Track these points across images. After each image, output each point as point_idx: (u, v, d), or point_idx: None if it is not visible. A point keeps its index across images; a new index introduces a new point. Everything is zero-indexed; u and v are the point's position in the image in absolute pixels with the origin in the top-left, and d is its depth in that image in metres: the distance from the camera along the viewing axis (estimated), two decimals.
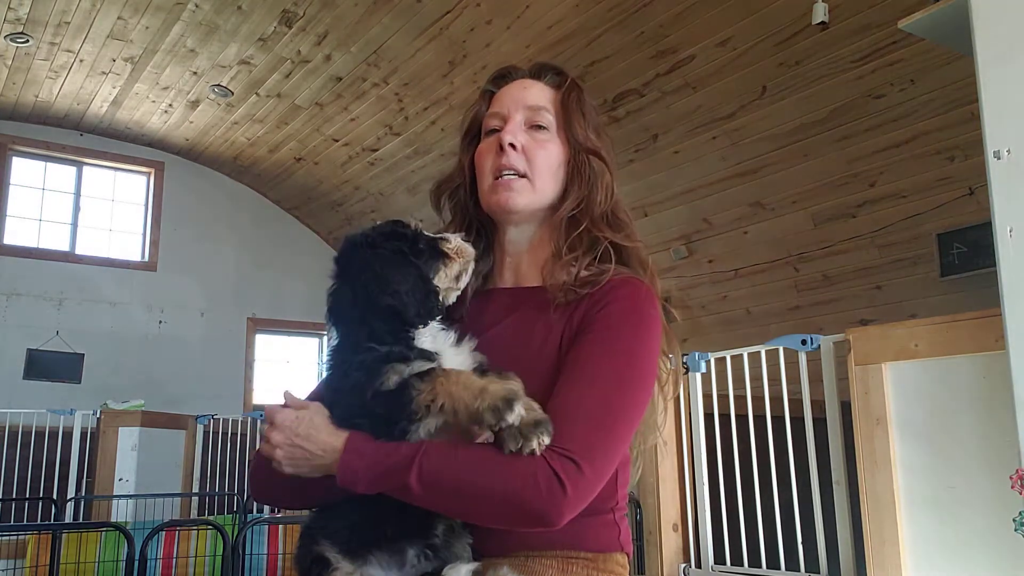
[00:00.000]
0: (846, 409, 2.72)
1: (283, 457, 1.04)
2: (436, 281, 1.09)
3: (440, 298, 1.10)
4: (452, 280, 1.12)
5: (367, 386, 1.00)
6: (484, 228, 1.27)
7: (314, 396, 1.12)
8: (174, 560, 4.26)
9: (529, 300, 1.19)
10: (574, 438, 0.99)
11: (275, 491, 1.15)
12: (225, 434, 6.28)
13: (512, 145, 1.18)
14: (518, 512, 0.97)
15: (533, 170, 1.19)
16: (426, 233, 1.13)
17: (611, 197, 1.21)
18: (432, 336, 1.09)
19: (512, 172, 1.18)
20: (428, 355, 1.05)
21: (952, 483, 2.34)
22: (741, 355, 3.27)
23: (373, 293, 1.04)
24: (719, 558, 3.25)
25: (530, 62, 1.29)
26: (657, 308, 1.14)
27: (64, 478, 5.53)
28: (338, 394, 1.05)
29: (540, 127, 1.21)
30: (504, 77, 1.28)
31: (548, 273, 1.17)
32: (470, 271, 1.16)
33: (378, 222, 1.14)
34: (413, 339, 1.06)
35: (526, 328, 1.15)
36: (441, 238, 1.13)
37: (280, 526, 4.35)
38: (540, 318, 1.15)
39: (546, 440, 0.96)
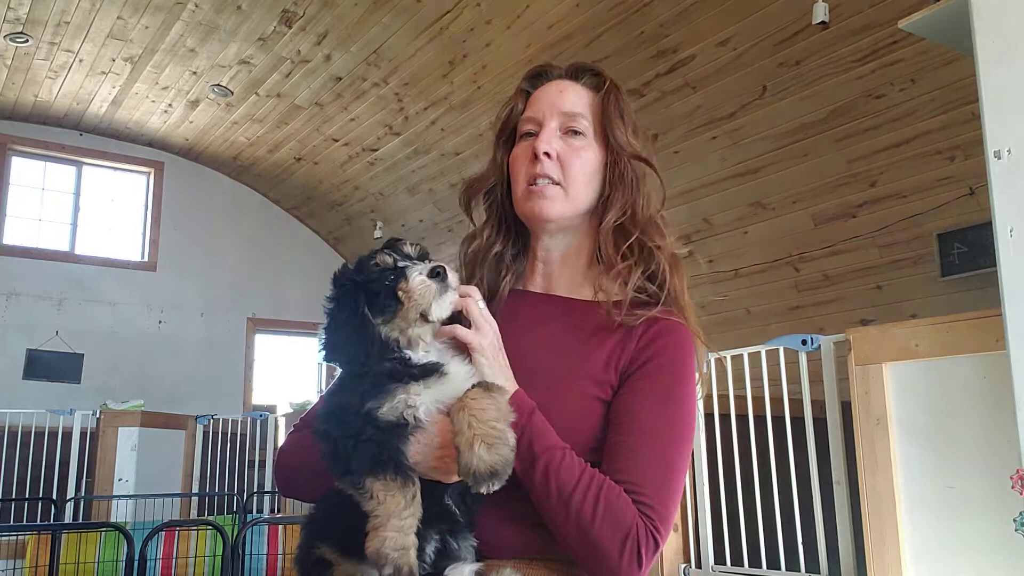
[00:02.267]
0: (846, 409, 2.72)
1: (489, 356, 1.07)
2: (391, 327, 1.04)
3: (393, 340, 1.04)
4: (413, 322, 1.04)
5: (366, 397, 0.99)
6: (520, 229, 1.26)
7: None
8: (174, 560, 4.26)
9: (563, 315, 1.18)
10: (661, 513, 1.03)
11: (304, 483, 1.13)
12: (225, 434, 6.28)
13: (547, 153, 1.16)
14: (589, 560, 1.02)
15: (567, 178, 1.17)
16: (398, 264, 1.05)
17: (657, 202, 1.20)
18: (439, 346, 1.07)
19: (546, 179, 1.17)
20: (432, 368, 1.04)
21: (952, 483, 2.34)
22: (741, 355, 3.27)
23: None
24: (719, 558, 3.25)
25: (568, 62, 1.25)
26: (695, 352, 1.15)
27: (64, 478, 5.53)
28: (337, 394, 1.04)
29: (576, 132, 1.18)
30: (540, 76, 1.24)
31: (599, 286, 1.15)
32: (438, 310, 1.05)
33: (374, 249, 1.09)
34: (407, 359, 1.04)
35: (559, 348, 1.15)
36: (405, 274, 1.04)
37: (280, 526, 4.35)
38: (575, 340, 1.14)
39: (495, 487, 0.96)
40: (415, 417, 1.00)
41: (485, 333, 1.07)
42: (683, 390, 1.11)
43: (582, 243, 1.21)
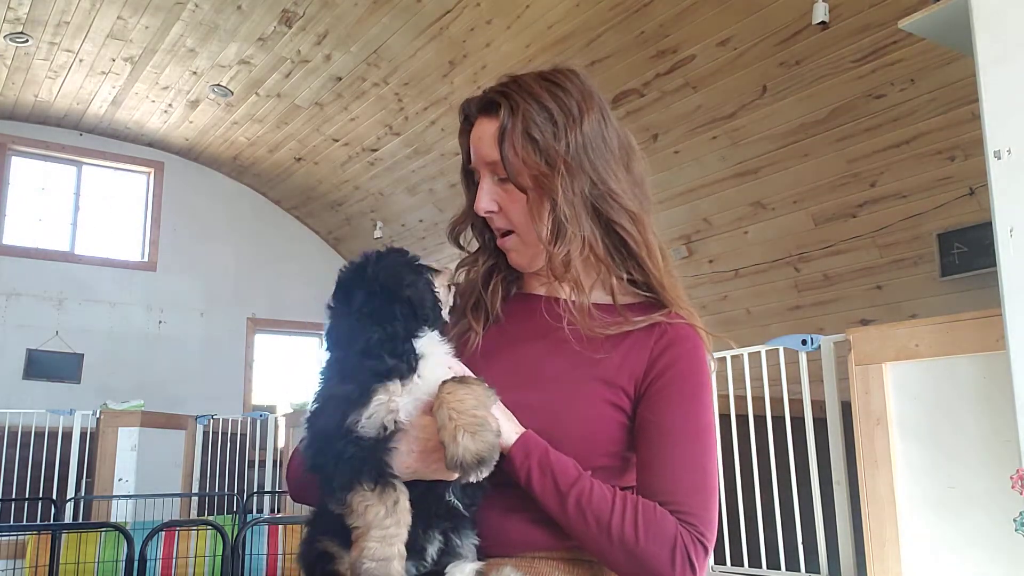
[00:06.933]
0: (846, 409, 2.72)
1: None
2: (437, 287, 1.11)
3: (442, 306, 1.10)
4: (443, 290, 1.12)
5: (349, 408, 0.98)
6: None
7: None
8: (174, 560, 4.26)
9: (568, 320, 1.16)
10: (702, 518, 1.04)
11: (313, 491, 1.11)
12: (225, 434, 6.28)
13: (490, 211, 1.17)
14: None
15: (515, 225, 1.17)
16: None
17: (593, 203, 1.13)
18: (427, 342, 1.07)
19: (503, 231, 1.19)
20: (416, 362, 1.04)
21: (952, 483, 2.34)
22: (741, 355, 3.28)
23: (391, 289, 1.04)
24: (719, 558, 3.25)
25: (568, 61, 1.21)
26: (708, 356, 1.15)
27: (64, 478, 5.54)
28: (324, 403, 1.03)
29: (505, 179, 1.15)
30: (466, 118, 1.21)
31: (575, 292, 1.13)
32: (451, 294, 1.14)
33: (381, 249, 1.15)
34: (415, 351, 1.04)
35: (568, 352, 1.13)
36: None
37: (280, 526, 4.35)
38: (584, 343, 1.12)
39: (484, 474, 0.96)
40: (395, 422, 0.99)
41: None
42: (703, 395, 1.12)
43: None
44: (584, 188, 1.12)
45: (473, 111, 1.19)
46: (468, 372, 1.08)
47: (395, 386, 1.01)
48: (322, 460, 0.98)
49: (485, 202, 1.16)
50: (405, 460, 1.00)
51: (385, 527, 0.93)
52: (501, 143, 1.12)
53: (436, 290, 1.09)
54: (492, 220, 1.18)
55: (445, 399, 0.98)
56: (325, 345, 1.08)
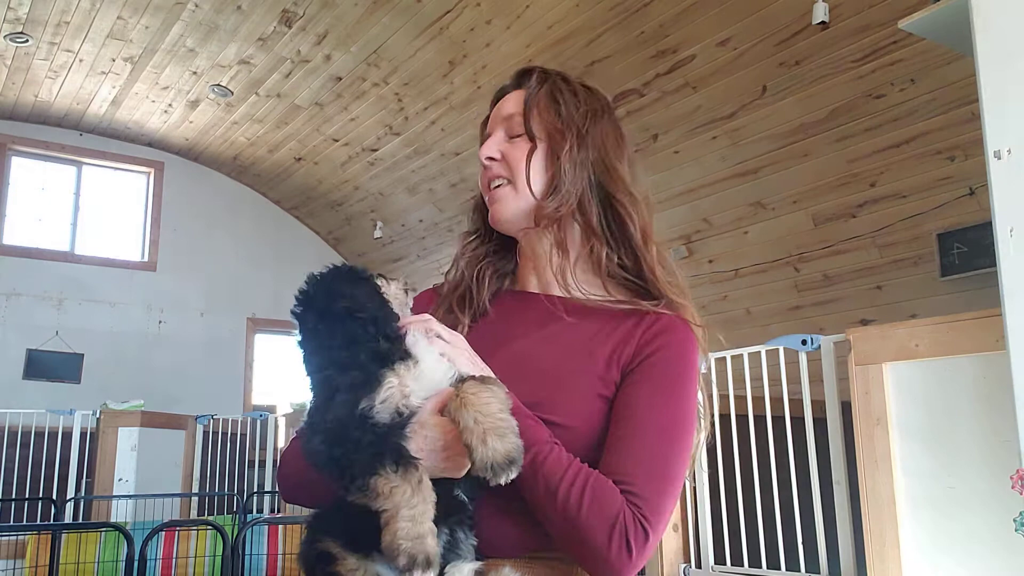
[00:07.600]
0: (846, 409, 2.72)
1: (467, 366, 1.06)
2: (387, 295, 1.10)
3: (396, 312, 1.08)
4: (400, 293, 1.12)
5: (359, 393, 0.98)
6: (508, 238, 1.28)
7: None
8: (174, 560, 4.26)
9: (564, 313, 1.17)
10: (652, 504, 1.02)
11: (306, 492, 1.12)
12: (225, 434, 6.28)
13: (491, 157, 1.20)
14: (579, 551, 1.02)
15: (513, 173, 1.19)
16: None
17: (596, 177, 1.18)
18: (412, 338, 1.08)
19: (498, 181, 1.21)
20: (409, 351, 1.04)
21: (952, 483, 2.34)
22: (741, 355, 3.27)
23: (330, 305, 1.03)
24: (719, 558, 3.25)
25: (567, 63, 1.29)
26: (698, 352, 1.15)
27: (64, 478, 5.53)
28: (327, 397, 1.02)
29: (517, 134, 1.21)
30: (498, 99, 1.28)
31: (567, 280, 1.16)
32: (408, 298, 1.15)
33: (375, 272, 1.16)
34: (399, 330, 1.05)
35: (563, 347, 1.14)
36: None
37: (280, 526, 4.35)
38: (578, 337, 1.14)
39: (513, 475, 0.96)
40: (406, 406, 0.99)
41: (456, 344, 1.08)
42: (682, 386, 1.11)
43: (558, 239, 1.21)
44: (589, 159, 1.18)
45: (508, 87, 1.26)
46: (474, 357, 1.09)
47: (404, 369, 1.01)
48: (338, 451, 0.97)
49: (490, 149, 1.21)
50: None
51: (413, 506, 0.92)
52: (527, 99, 1.20)
53: (383, 292, 1.08)
54: (491, 168, 1.21)
55: (470, 400, 0.97)
56: (304, 370, 1.06)
